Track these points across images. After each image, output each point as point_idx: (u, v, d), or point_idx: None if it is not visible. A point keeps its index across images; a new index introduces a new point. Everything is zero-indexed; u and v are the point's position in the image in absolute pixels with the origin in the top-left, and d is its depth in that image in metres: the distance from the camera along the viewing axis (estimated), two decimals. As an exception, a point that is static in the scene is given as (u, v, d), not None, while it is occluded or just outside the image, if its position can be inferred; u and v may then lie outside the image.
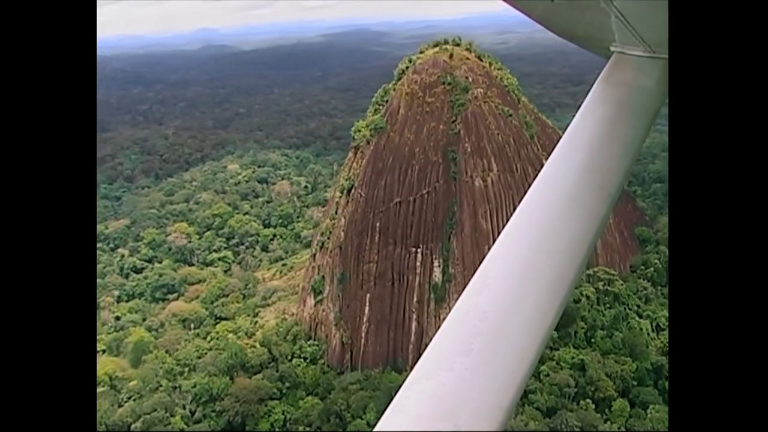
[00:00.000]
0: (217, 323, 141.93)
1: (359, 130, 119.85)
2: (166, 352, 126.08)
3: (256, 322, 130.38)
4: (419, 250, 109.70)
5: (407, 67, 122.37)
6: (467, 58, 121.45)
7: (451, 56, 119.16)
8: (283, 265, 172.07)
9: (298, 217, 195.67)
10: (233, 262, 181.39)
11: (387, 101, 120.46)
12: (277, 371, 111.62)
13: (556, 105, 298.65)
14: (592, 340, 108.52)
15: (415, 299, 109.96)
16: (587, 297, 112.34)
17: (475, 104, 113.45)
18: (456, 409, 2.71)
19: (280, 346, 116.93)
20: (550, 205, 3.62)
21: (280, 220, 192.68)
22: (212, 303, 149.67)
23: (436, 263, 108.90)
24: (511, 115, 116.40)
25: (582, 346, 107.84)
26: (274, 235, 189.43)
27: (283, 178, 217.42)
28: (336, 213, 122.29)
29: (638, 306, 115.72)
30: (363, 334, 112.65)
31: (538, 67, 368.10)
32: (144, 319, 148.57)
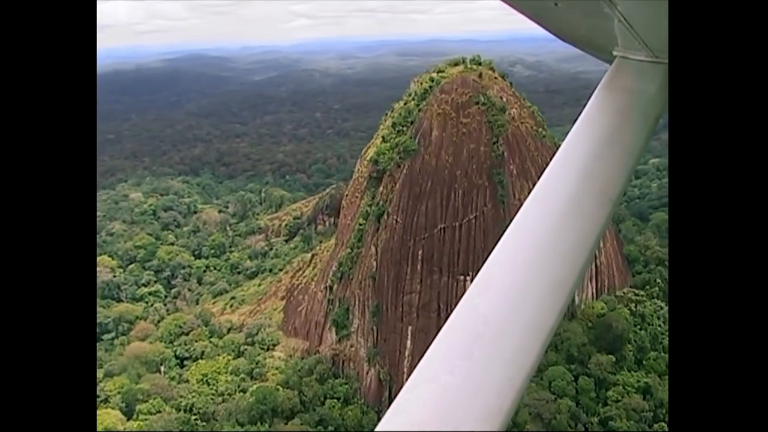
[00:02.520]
0: (182, 364, 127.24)
1: (383, 153, 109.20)
2: (163, 400, 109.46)
3: (257, 362, 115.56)
4: (468, 278, 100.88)
5: (430, 87, 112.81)
6: (495, 78, 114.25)
7: (480, 75, 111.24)
8: (232, 298, 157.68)
9: (231, 246, 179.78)
10: (167, 296, 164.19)
11: (412, 122, 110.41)
12: (314, 415, 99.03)
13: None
14: (643, 362, 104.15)
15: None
16: (626, 319, 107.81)
17: (514, 125, 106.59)
18: (456, 412, 2.70)
19: (311, 387, 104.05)
20: (551, 210, 3.47)
21: (212, 251, 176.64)
22: (171, 342, 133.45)
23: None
24: (545, 136, 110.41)
25: (634, 368, 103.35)
26: (207, 267, 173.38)
27: (189, 207, 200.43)
28: (359, 241, 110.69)
29: (659, 326, 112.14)
30: (405, 370, 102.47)
31: (400, 92, 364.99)
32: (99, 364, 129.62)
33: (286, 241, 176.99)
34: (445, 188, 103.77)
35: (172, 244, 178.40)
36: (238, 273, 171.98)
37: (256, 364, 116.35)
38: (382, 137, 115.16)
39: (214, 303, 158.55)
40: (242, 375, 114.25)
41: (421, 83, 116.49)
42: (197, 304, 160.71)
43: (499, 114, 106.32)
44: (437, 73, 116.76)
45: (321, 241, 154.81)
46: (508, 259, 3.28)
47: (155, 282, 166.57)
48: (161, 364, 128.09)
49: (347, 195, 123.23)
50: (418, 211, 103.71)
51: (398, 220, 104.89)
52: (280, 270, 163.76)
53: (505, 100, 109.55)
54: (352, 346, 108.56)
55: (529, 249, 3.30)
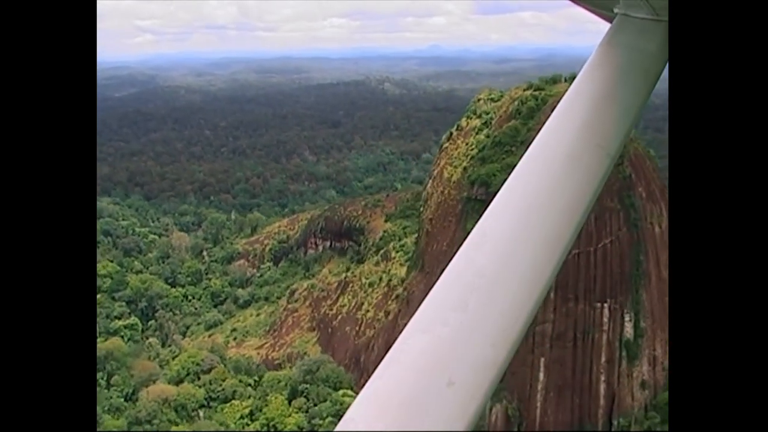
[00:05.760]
0: (208, 406, 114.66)
1: (494, 174, 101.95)
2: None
3: (341, 403, 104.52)
4: (606, 305, 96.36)
5: (536, 105, 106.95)
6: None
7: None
8: (233, 330, 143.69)
9: (207, 272, 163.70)
10: (145, 329, 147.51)
11: (522, 142, 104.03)
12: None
13: (330, 147, 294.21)
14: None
15: (603, 359, 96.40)
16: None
17: (633, 146, 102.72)
18: (450, 363, 2.74)
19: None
20: (549, 163, 3.47)
21: (189, 278, 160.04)
22: (192, 382, 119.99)
23: (627, 318, 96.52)
24: (652, 157, 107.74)
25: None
26: (185, 295, 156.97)
27: (127, 230, 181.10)
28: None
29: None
30: (538, 404, 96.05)
31: (279, 109, 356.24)
32: (108, 410, 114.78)
33: (275, 266, 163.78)
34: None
35: (140, 272, 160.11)
36: (222, 302, 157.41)
37: (341, 405, 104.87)
38: (481, 158, 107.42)
39: (210, 335, 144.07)
40: (329, 418, 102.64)
41: (522, 102, 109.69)
42: (184, 336, 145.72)
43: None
44: (536, 90, 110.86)
45: (348, 268, 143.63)
46: (505, 212, 3.27)
47: (129, 314, 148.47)
48: (198, 409, 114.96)
49: (431, 219, 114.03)
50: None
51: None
52: (278, 298, 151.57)
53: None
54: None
55: (526, 202, 3.29)
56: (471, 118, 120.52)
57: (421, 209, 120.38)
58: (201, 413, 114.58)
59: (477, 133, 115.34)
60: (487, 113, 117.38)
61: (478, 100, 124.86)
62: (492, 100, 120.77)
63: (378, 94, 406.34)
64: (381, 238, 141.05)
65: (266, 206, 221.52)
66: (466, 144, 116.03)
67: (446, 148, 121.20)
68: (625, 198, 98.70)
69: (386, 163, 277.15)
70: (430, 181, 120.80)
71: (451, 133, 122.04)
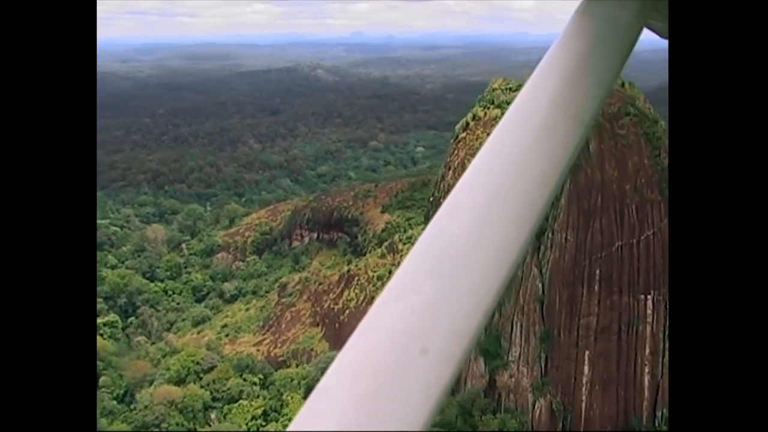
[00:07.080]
0: (214, 407, 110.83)
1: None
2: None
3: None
4: (650, 297, 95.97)
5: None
6: (636, 88, 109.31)
7: (622, 85, 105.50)
8: (224, 326, 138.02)
9: (187, 266, 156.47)
10: (129, 326, 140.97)
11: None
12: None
13: (275, 135, 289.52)
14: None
15: (647, 351, 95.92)
16: None
17: (667, 136, 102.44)
18: (424, 331, 2.57)
19: (487, 425, 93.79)
20: (523, 133, 3.41)
21: (168, 273, 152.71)
22: (194, 382, 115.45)
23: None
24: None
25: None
26: (165, 291, 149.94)
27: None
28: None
29: None
30: (584, 397, 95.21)
31: (216, 96, 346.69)
32: (101, 413, 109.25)
33: (259, 258, 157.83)
34: (617, 203, 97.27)
35: (115, 266, 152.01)
36: (204, 297, 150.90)
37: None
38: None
39: (199, 332, 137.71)
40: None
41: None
42: (169, 332, 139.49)
43: (653, 125, 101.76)
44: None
45: (350, 261, 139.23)
46: (479, 182, 3.05)
47: (108, 311, 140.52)
48: (206, 410, 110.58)
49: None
50: (593, 229, 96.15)
51: (569, 238, 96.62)
52: (267, 292, 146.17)
53: (652, 110, 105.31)
54: (511, 376, 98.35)
55: (500, 171, 3.07)
56: (489, 108, 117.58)
57: (440, 200, 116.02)
58: (213, 415, 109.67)
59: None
60: (508, 103, 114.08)
61: (494, 89, 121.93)
62: (510, 89, 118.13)
63: (311, 80, 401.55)
64: (384, 230, 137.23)
65: (223, 195, 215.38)
66: (488, 134, 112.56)
67: (464, 138, 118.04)
68: (665, 189, 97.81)
69: (333, 151, 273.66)
70: (449, 172, 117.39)
71: (467, 123, 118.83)
